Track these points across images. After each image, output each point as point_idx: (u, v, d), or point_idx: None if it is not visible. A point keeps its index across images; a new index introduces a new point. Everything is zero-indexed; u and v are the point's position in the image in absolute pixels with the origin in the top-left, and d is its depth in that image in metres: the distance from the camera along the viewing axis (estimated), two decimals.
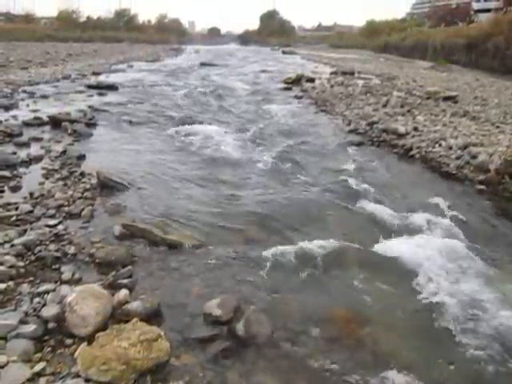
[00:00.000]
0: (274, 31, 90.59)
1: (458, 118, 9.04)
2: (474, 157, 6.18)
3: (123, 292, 2.79)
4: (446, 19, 43.73)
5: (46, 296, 2.72)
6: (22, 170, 5.27)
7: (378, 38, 53.38)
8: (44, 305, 2.63)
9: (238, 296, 2.94)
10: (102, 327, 2.48)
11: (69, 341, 2.41)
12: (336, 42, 72.40)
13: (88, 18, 59.82)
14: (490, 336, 2.75)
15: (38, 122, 7.75)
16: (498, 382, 2.44)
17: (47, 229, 3.64)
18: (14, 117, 8.01)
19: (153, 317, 2.67)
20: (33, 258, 3.19)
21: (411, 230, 4.20)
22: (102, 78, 16.28)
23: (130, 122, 8.74)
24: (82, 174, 5.15)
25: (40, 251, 3.26)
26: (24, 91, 11.46)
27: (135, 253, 3.47)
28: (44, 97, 10.98)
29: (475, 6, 47.03)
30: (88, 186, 4.75)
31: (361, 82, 16.19)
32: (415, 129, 8.04)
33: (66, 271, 3.08)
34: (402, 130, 7.95)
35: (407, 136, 7.75)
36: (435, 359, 2.58)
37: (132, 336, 2.31)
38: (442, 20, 44.08)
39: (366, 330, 2.79)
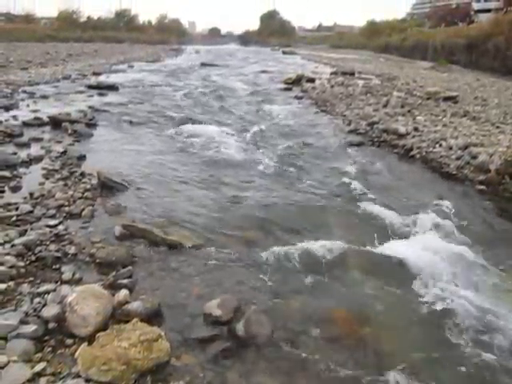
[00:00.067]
0: (274, 31, 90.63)
1: (459, 119, 9.04)
2: (475, 157, 6.18)
3: (123, 292, 2.79)
4: (447, 19, 43.72)
5: (46, 296, 2.73)
6: (22, 170, 5.27)
7: (378, 38, 53.39)
8: (44, 305, 2.63)
9: (238, 296, 2.94)
10: (103, 327, 2.48)
11: (69, 341, 2.42)
12: (336, 43, 72.39)
13: (88, 18, 59.79)
14: (491, 336, 2.75)
15: (38, 123, 7.75)
16: (498, 381, 2.44)
17: (47, 229, 3.65)
18: (15, 117, 8.00)
19: (153, 317, 2.67)
20: (33, 258, 3.19)
21: (411, 231, 4.20)
22: (102, 79, 16.29)
23: (131, 123, 8.74)
24: (83, 175, 5.15)
25: (40, 251, 3.26)
26: (24, 91, 11.46)
27: (135, 253, 3.47)
28: (44, 97, 10.98)
29: (475, 6, 47.04)
30: (88, 187, 4.75)
31: (361, 83, 16.19)
32: (415, 129, 8.04)
33: (67, 271, 3.08)
34: (402, 130, 7.95)
35: (407, 136, 7.75)
36: (436, 359, 2.58)
37: (132, 336, 2.31)
38: (443, 20, 44.06)
39: (366, 331, 2.79)
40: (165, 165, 6.07)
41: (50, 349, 2.35)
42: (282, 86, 16.73)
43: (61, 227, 3.73)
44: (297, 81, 17.12)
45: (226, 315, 2.70)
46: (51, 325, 2.49)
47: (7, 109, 8.90)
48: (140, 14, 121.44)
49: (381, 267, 3.57)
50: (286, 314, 2.90)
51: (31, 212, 3.96)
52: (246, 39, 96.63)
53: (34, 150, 6.17)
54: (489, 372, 2.48)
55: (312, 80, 17.36)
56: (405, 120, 8.89)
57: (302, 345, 2.61)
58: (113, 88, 13.52)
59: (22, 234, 3.52)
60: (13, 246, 3.28)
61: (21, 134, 6.87)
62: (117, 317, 2.63)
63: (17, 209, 3.99)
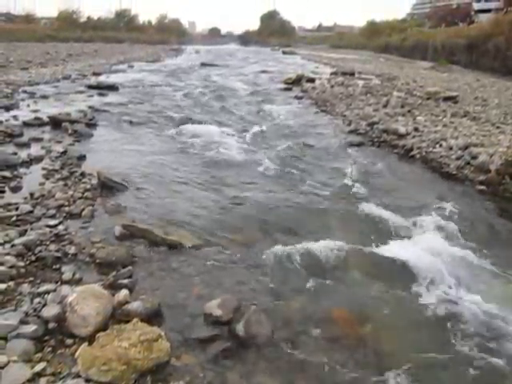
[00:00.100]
0: (274, 31, 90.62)
1: (459, 119, 9.03)
2: (475, 157, 6.18)
3: (123, 292, 2.79)
4: (447, 19, 43.71)
5: (46, 296, 2.72)
6: (22, 170, 5.27)
7: (378, 38, 53.38)
8: (44, 305, 2.63)
9: (238, 296, 2.94)
10: (103, 327, 2.48)
11: (69, 341, 2.41)
12: (336, 43, 72.36)
13: (88, 18, 59.76)
14: (491, 336, 2.75)
15: (38, 123, 7.76)
16: (498, 382, 2.44)
17: (47, 229, 3.65)
18: (15, 117, 8.01)
19: (153, 317, 2.67)
20: (33, 258, 3.19)
21: (411, 232, 4.20)
22: (102, 79, 16.29)
23: (131, 123, 8.74)
24: (83, 175, 5.16)
25: (40, 251, 3.26)
26: (24, 91, 11.47)
27: (135, 253, 3.47)
28: (44, 97, 10.98)
29: (476, 6, 47.04)
30: (88, 187, 4.75)
31: (361, 83, 16.18)
32: (416, 129, 8.04)
33: (67, 271, 3.08)
34: (402, 130, 7.95)
35: (408, 136, 7.75)
36: (436, 360, 2.57)
37: (132, 336, 2.31)
38: (443, 20, 44.04)
39: (366, 331, 2.79)
40: (165, 165, 6.07)
41: (50, 349, 2.35)
42: (282, 86, 16.73)
43: (61, 227, 3.73)
44: (297, 81, 17.12)
45: (226, 315, 2.70)
46: (51, 325, 2.49)
47: (7, 109, 8.91)
48: (140, 14, 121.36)
49: (381, 268, 3.56)
50: (287, 314, 2.90)
51: (31, 212, 3.96)
52: (246, 39, 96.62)
53: (34, 150, 6.17)
54: (490, 375, 2.48)
55: (312, 80, 17.35)
56: (405, 120, 8.89)
57: (302, 345, 2.61)
58: (113, 88, 13.52)
59: (22, 234, 3.52)
60: (13, 246, 3.28)
61: (21, 134, 6.87)
62: (117, 317, 2.63)
63: (17, 209, 3.99)
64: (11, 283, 2.85)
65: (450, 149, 6.78)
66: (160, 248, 3.59)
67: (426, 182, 6.01)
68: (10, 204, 4.10)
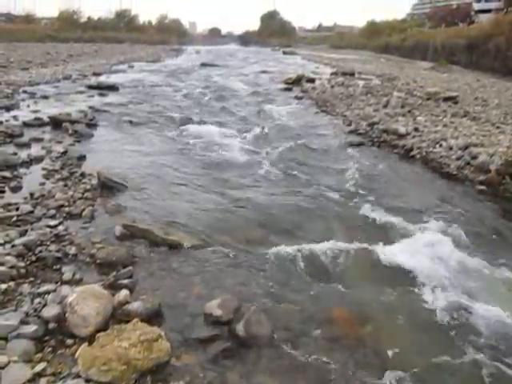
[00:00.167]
0: (274, 32, 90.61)
1: (459, 119, 9.04)
2: (475, 157, 6.18)
3: (124, 292, 2.79)
4: (447, 20, 43.70)
5: (46, 296, 2.73)
6: (22, 170, 5.27)
7: (378, 38, 53.37)
8: (45, 305, 2.64)
9: (238, 296, 2.94)
10: (103, 327, 2.48)
11: (69, 341, 2.42)
12: (336, 43, 72.36)
13: (89, 18, 59.76)
14: (491, 336, 2.75)
15: (38, 123, 7.76)
16: (497, 382, 2.44)
17: (48, 229, 3.65)
18: (15, 117, 8.02)
19: (153, 317, 2.68)
20: (33, 258, 3.20)
21: (411, 232, 4.19)
22: (102, 79, 16.30)
23: (131, 123, 8.75)
24: (83, 175, 5.16)
25: (41, 251, 3.27)
26: (25, 92, 11.48)
27: (136, 253, 3.48)
28: (44, 97, 10.99)
29: (476, 6, 46.99)
30: (88, 187, 4.75)
31: (361, 83, 16.19)
32: (416, 129, 8.04)
33: (67, 271, 3.09)
34: (402, 130, 7.95)
35: (408, 136, 7.75)
36: (436, 361, 2.57)
37: (132, 336, 2.31)
38: (443, 20, 44.03)
39: (366, 331, 2.79)
40: (165, 165, 6.07)
41: (50, 349, 2.35)
42: (283, 86, 16.73)
43: (61, 227, 3.73)
44: (297, 81, 17.13)
45: (226, 315, 2.70)
46: (51, 325, 2.49)
47: (8, 109, 8.92)
48: (140, 14, 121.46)
49: (381, 269, 3.56)
50: (287, 314, 2.90)
51: (31, 212, 3.96)
52: (246, 39, 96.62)
53: (35, 150, 6.18)
54: (489, 375, 2.48)
55: (312, 80, 17.37)
56: (405, 120, 8.89)
57: (302, 345, 2.61)
58: (113, 88, 13.54)
59: (23, 234, 3.53)
60: (13, 246, 3.28)
61: (21, 135, 6.88)
62: (117, 317, 2.63)
63: (17, 209, 4.00)
64: (12, 283, 2.85)
65: (450, 149, 6.78)
66: (160, 248, 3.59)
67: (426, 182, 6.01)
68: (10, 204, 4.10)
